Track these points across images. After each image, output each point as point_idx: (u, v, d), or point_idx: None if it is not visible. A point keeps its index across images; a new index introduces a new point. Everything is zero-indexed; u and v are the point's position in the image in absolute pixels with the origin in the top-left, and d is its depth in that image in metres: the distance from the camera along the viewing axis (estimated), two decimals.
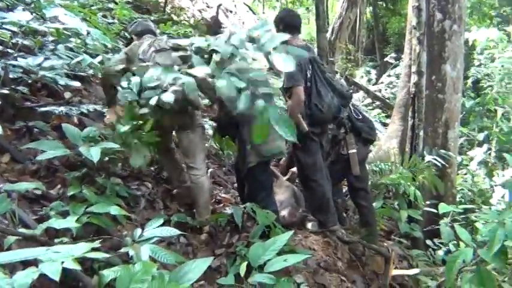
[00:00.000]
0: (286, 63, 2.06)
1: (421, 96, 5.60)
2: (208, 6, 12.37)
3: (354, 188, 4.21)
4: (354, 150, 3.84)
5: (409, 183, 5.06)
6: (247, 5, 15.73)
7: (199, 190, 3.25)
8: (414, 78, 5.60)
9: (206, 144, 4.88)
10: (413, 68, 5.65)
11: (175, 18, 9.64)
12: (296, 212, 3.87)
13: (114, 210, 2.44)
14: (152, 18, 8.11)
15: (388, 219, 5.27)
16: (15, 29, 3.27)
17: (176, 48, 3.23)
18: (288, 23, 3.62)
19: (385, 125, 11.51)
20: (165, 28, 7.34)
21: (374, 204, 4.68)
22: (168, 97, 2.48)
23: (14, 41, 3.49)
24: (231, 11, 13.81)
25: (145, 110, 2.78)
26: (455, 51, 5.80)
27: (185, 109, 3.14)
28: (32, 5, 3.67)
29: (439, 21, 5.82)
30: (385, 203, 5.30)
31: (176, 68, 2.73)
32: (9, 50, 3.48)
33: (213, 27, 10.63)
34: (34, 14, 3.49)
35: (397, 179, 5.15)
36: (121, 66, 3.25)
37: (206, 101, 3.64)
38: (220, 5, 11.36)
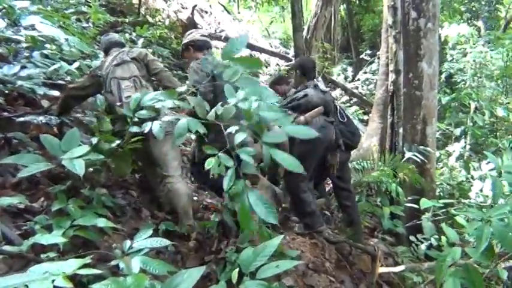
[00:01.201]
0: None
1: (399, 94, 5.69)
2: (183, 7, 12.27)
3: (338, 187, 4.26)
4: (338, 155, 3.90)
5: (390, 180, 5.15)
6: (222, 5, 15.67)
7: (176, 196, 3.24)
8: (392, 76, 5.70)
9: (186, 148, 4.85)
10: (391, 67, 5.74)
11: (150, 20, 9.53)
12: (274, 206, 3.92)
13: (101, 222, 2.40)
14: (127, 20, 8.03)
15: (371, 216, 5.34)
16: None
17: (136, 58, 3.43)
18: (306, 69, 4.15)
19: (363, 121, 11.65)
20: (141, 31, 7.26)
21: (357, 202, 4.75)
22: (156, 129, 2.47)
23: None
24: (206, 12, 13.74)
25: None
26: (430, 48, 5.91)
27: None
28: (4, 11, 3.58)
29: (414, 20, 5.91)
30: (367, 201, 5.38)
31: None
32: None
33: (189, 28, 10.58)
34: (7, 21, 3.40)
35: (379, 176, 5.23)
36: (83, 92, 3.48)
37: None
38: (195, 5, 11.31)
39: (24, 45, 3.99)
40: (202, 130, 2.35)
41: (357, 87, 13.64)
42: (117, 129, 3.26)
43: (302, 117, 3.78)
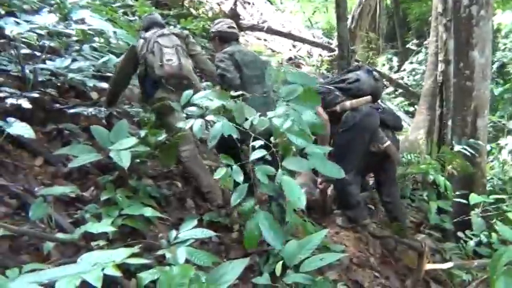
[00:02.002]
0: None
1: (448, 84, 5.47)
2: None
3: (380, 183, 4.13)
4: (389, 142, 3.74)
5: (438, 173, 4.96)
6: None
7: (194, 164, 3.38)
8: (441, 66, 5.48)
9: None
10: (440, 56, 5.52)
11: (194, 12, 9.62)
12: (313, 190, 3.97)
13: (148, 212, 2.46)
14: (171, 13, 8.14)
15: (417, 210, 5.19)
16: (41, 31, 3.29)
17: (178, 34, 3.60)
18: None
19: (408, 113, 11.33)
20: (185, 24, 7.34)
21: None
22: (197, 128, 2.50)
23: (40, 43, 3.53)
24: (248, 3, 13.72)
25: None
26: (483, 37, 5.62)
27: None
28: (56, 6, 3.70)
29: (466, 7, 5.63)
30: (413, 194, 5.23)
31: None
32: (37, 53, 3.51)
33: (232, 19, 10.60)
34: (58, 16, 3.51)
35: (426, 168, 5.05)
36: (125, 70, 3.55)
37: None
38: None
39: (75, 38, 4.12)
40: (236, 135, 2.36)
41: (402, 78, 13.24)
42: (156, 96, 3.35)
43: (348, 103, 3.65)
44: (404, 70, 13.62)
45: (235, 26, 3.85)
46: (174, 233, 2.35)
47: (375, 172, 4.13)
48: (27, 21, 2.88)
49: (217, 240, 2.96)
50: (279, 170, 2.29)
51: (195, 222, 2.44)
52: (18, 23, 2.81)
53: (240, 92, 2.64)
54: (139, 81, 3.58)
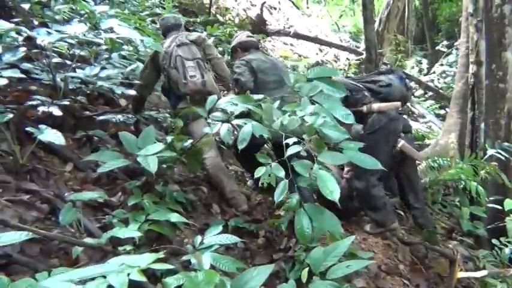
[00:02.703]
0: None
1: (480, 86, 5.33)
2: (252, 5, 12.38)
3: (402, 187, 4.05)
4: (403, 142, 3.69)
5: (470, 178, 4.82)
6: (291, 1, 15.60)
7: (217, 171, 3.46)
8: (473, 68, 5.34)
9: None
10: (472, 58, 5.38)
11: (220, 18, 9.72)
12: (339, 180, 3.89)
13: (174, 217, 2.47)
14: (198, 20, 8.25)
15: (449, 216, 5.05)
16: (71, 40, 3.38)
17: (195, 41, 3.68)
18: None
19: (439, 116, 11.08)
20: (211, 30, 7.42)
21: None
22: (224, 132, 2.51)
23: (71, 52, 3.62)
24: (274, 8, 13.76)
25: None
26: None
27: None
28: (86, 16, 3.80)
29: (498, 6, 5.48)
30: (445, 200, 5.09)
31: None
32: (67, 62, 3.61)
33: (258, 25, 10.65)
34: (88, 25, 3.60)
35: (457, 174, 4.92)
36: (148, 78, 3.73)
37: None
38: (264, 2, 11.33)
39: (104, 47, 4.22)
40: (266, 135, 2.36)
41: (432, 81, 12.97)
42: (180, 106, 3.49)
43: (376, 106, 3.60)
44: (434, 73, 13.34)
45: (253, 36, 4.12)
46: (199, 238, 2.36)
47: (396, 176, 4.05)
48: (58, 31, 2.96)
49: (243, 246, 2.96)
50: (315, 164, 2.27)
51: (221, 228, 2.44)
52: (49, 33, 2.90)
53: (262, 96, 2.64)
54: (163, 91, 3.67)
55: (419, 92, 12.42)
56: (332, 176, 2.22)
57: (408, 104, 11.14)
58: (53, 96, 3.19)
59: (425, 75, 13.71)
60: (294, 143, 2.33)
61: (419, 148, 7.33)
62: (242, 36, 4.05)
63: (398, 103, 3.69)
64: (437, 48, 14.41)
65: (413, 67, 14.15)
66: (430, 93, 12.36)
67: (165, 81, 3.59)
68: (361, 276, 2.90)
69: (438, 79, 13.09)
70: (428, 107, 11.62)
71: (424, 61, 14.57)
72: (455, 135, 6.24)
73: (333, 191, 2.16)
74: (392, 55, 12.19)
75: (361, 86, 3.73)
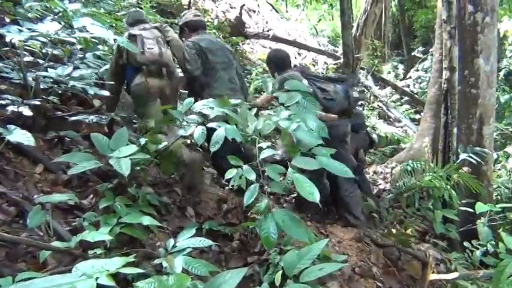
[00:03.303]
0: None
1: (453, 92, 5.44)
2: (231, 7, 12.36)
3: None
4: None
5: (443, 185, 4.91)
6: (270, 4, 15.65)
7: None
8: (446, 74, 5.44)
9: None
10: (445, 64, 5.49)
11: None
12: None
13: (147, 220, 2.43)
14: (176, 21, 8.16)
15: (423, 219, 5.13)
16: (44, 39, 3.30)
17: (158, 27, 3.80)
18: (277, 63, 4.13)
19: (414, 120, 11.27)
20: None
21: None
22: (198, 134, 2.50)
23: (44, 51, 3.54)
24: (254, 11, 13.78)
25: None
26: (488, 44, 5.58)
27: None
28: (60, 14, 3.72)
29: (471, 14, 5.60)
30: (419, 204, 5.17)
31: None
32: (40, 61, 3.52)
33: (237, 27, 10.64)
34: (62, 24, 3.53)
35: (432, 181, 5.00)
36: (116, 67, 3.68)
37: None
38: (243, 5, 11.34)
39: (79, 47, 4.14)
40: (239, 139, 2.36)
41: (408, 86, 13.22)
42: (136, 82, 3.54)
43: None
44: (410, 78, 13.59)
45: (200, 15, 4.19)
46: (172, 241, 2.32)
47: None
48: (29, 29, 2.88)
49: (217, 249, 2.94)
50: (289, 168, 2.28)
51: (194, 231, 2.41)
52: (20, 31, 2.82)
53: (239, 101, 2.64)
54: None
55: (396, 96, 12.63)
56: (307, 179, 2.22)
57: (384, 108, 11.32)
58: (23, 96, 3.11)
59: (401, 80, 13.95)
60: (268, 147, 2.33)
61: (395, 152, 7.46)
62: (189, 15, 4.11)
63: (335, 116, 3.92)
64: (413, 54, 14.69)
65: (389, 72, 14.38)
66: (406, 98, 12.58)
67: (124, 58, 3.60)
68: (335, 279, 2.91)
69: (414, 84, 13.34)
70: (404, 112, 11.81)
71: (400, 66, 14.83)
72: (429, 139, 6.35)
73: (312, 193, 2.16)
74: (370, 60, 12.34)
75: (311, 89, 3.90)
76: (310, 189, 2.14)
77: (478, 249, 4.23)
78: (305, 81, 3.96)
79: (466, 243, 4.38)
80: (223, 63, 3.82)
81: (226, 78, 3.79)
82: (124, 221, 2.43)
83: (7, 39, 2.67)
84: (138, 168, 2.83)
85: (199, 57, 3.72)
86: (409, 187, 5.10)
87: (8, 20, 3.45)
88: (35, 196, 2.53)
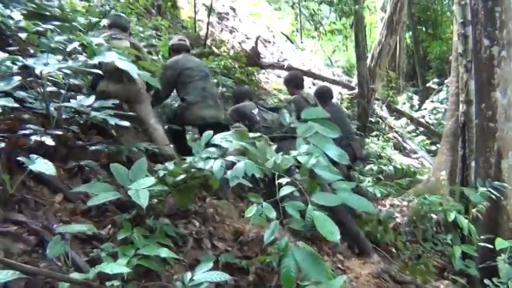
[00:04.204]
0: None
1: (470, 125, 5.41)
2: (247, 38, 12.59)
3: None
4: None
5: (460, 214, 4.83)
6: (285, 35, 15.91)
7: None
8: (463, 107, 5.43)
9: None
10: (462, 97, 5.48)
11: (216, 50, 9.85)
12: None
13: (164, 252, 2.43)
14: (194, 52, 8.33)
15: (441, 255, 5.02)
16: (68, 71, 3.39)
17: (132, 42, 4.24)
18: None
19: (430, 152, 11.16)
20: (207, 62, 7.49)
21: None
22: (217, 167, 2.55)
23: (65, 81, 3.63)
24: (269, 42, 14.01)
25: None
26: (505, 77, 5.59)
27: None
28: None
29: (487, 48, 5.64)
30: (436, 238, 5.07)
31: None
32: (62, 91, 3.61)
33: (253, 58, 10.81)
34: (85, 55, 3.63)
35: (447, 208, 4.92)
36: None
37: None
38: (259, 36, 11.55)
39: None
40: (259, 174, 2.37)
41: (423, 116, 13.16)
42: (100, 88, 3.84)
43: None
44: (425, 109, 13.54)
45: (185, 40, 4.99)
46: (189, 275, 2.31)
47: None
48: (58, 61, 2.98)
49: (233, 283, 2.90)
50: (309, 205, 2.26)
51: (211, 264, 2.40)
52: (47, 63, 2.91)
53: (258, 134, 2.66)
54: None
55: (411, 127, 12.56)
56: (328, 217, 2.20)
57: (400, 139, 11.26)
58: (45, 125, 3.17)
59: (416, 111, 13.90)
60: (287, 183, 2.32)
61: (411, 184, 7.36)
62: (175, 39, 5.00)
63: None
64: (428, 85, 14.68)
65: (404, 103, 14.36)
66: (421, 129, 12.51)
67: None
68: None
69: (429, 115, 13.29)
70: (419, 143, 11.72)
71: (415, 97, 14.80)
72: (446, 172, 6.26)
73: (333, 231, 2.14)
74: (384, 91, 12.38)
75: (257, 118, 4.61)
76: (331, 228, 2.12)
77: (498, 287, 4.12)
78: (255, 110, 4.74)
79: (486, 281, 4.27)
80: (199, 76, 4.59)
81: (201, 87, 4.53)
82: (141, 253, 2.43)
83: (37, 71, 2.75)
84: (156, 200, 2.85)
85: (176, 75, 4.49)
86: (422, 216, 5.06)
87: (32, 51, 3.56)
88: (55, 225, 2.55)
